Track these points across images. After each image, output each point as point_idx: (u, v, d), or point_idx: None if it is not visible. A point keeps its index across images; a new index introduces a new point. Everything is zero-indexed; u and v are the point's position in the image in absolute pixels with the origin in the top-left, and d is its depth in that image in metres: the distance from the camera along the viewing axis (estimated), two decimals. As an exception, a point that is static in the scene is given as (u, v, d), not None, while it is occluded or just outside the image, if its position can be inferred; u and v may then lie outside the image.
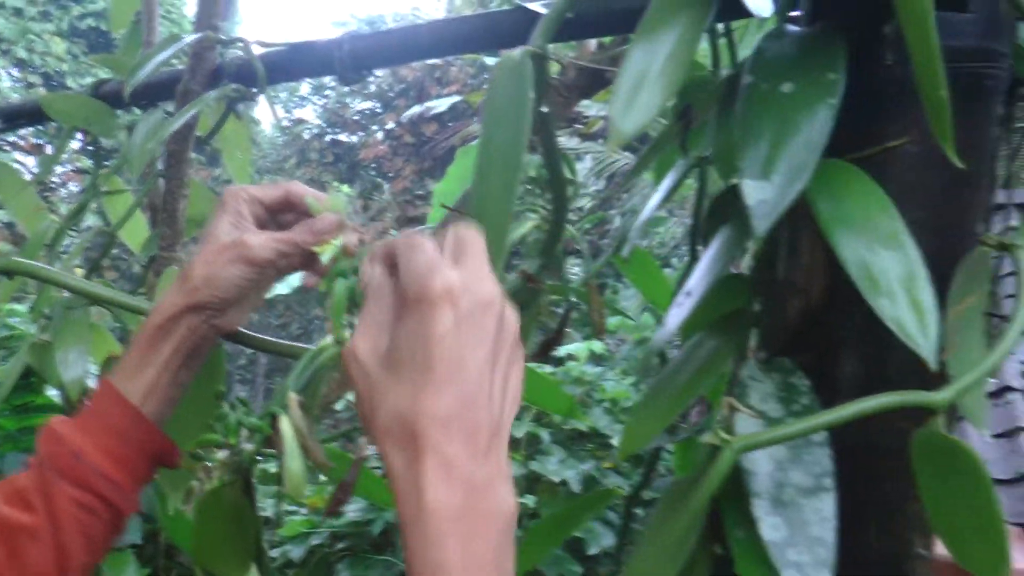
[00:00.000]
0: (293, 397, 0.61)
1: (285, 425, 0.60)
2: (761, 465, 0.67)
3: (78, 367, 1.26)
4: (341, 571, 3.48)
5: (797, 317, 0.73)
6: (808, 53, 0.64)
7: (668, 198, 0.91)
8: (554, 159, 0.63)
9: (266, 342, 0.74)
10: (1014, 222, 0.71)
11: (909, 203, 0.68)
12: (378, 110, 13.33)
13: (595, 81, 1.15)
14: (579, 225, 1.05)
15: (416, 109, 10.90)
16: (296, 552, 3.60)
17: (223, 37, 1.30)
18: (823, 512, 0.65)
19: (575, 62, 1.13)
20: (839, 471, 0.70)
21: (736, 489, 0.68)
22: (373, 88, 13.00)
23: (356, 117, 13.52)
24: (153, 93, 1.42)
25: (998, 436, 3.12)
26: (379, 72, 12.61)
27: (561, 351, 5.08)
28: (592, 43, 1.17)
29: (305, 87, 14.51)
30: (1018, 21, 0.71)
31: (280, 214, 0.76)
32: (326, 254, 0.65)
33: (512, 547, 0.51)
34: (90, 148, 1.50)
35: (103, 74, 1.53)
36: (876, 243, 0.63)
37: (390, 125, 12.74)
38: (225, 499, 0.68)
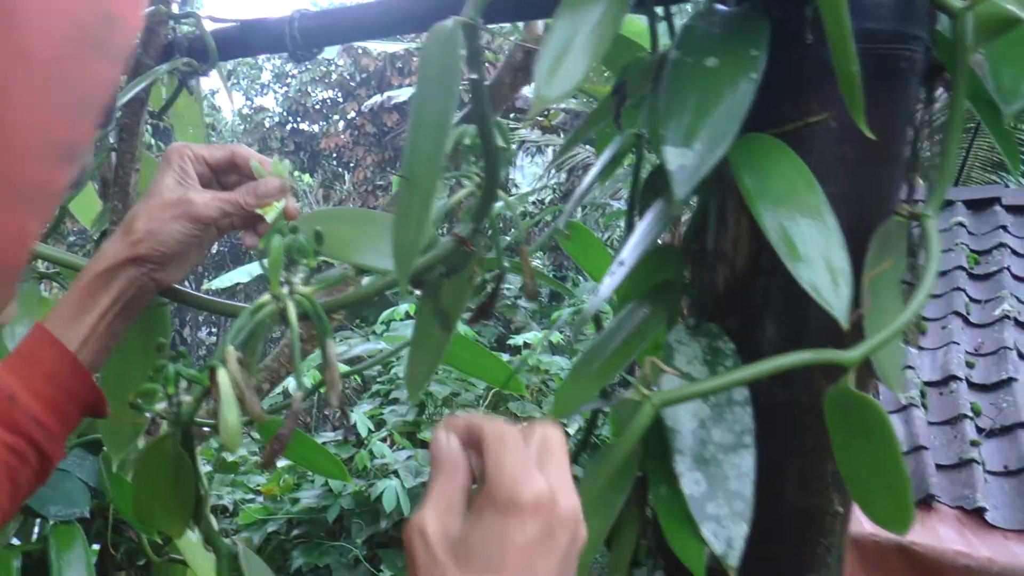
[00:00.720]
0: (231, 351, 0.63)
1: (222, 377, 0.61)
2: (684, 423, 0.70)
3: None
4: (296, 557, 3.49)
5: (724, 284, 0.76)
6: (733, 31, 0.67)
7: (605, 174, 0.94)
8: (486, 127, 0.66)
9: (203, 299, 0.76)
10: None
11: (829, 176, 0.71)
12: (339, 99, 13.26)
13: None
14: (539, 217, 1.07)
15: (377, 99, 10.87)
16: (254, 539, 3.61)
17: (174, 12, 1.31)
18: (742, 468, 0.69)
19: (522, 44, 1.15)
20: (762, 429, 0.73)
21: (661, 448, 0.71)
22: (334, 77, 12.93)
23: (317, 106, 13.44)
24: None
25: (943, 423, 3.21)
26: (340, 61, 12.54)
27: (518, 339, 5.11)
28: (539, 25, 1.19)
29: (266, 75, 14.39)
30: (934, 9, 0.74)
31: (224, 175, 0.78)
32: (270, 215, 0.68)
33: None
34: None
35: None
36: (796, 213, 0.66)
37: (351, 115, 12.68)
38: (164, 452, 0.69)
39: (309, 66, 12.66)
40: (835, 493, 0.76)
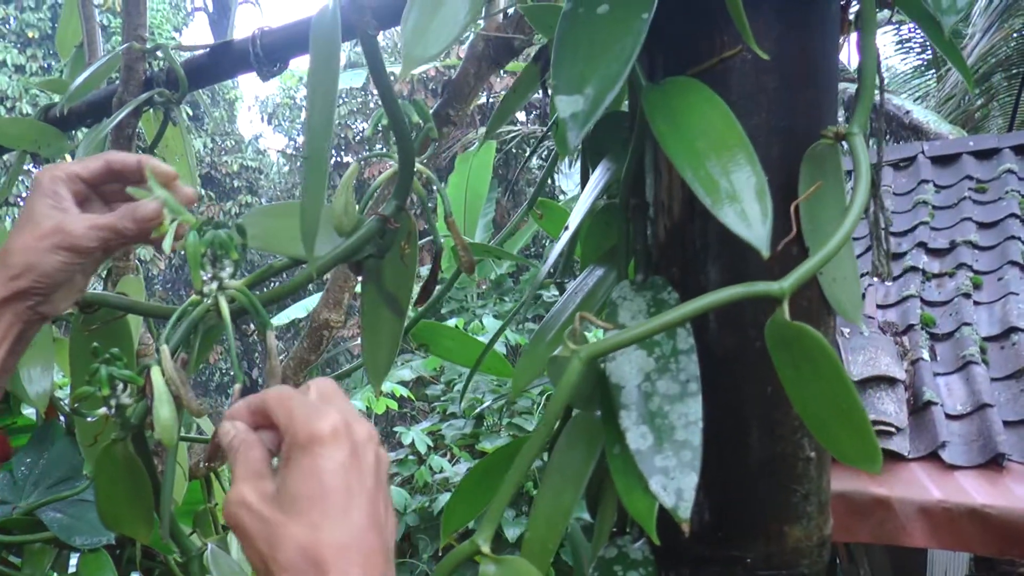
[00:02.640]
0: (165, 349, 0.63)
1: (156, 375, 0.62)
2: (629, 379, 0.69)
3: (43, 381, 1.29)
4: None
5: (664, 234, 0.75)
6: (627, -28, 0.66)
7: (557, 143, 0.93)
8: (392, 108, 0.66)
9: (134, 304, 0.77)
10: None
11: (751, 108, 0.70)
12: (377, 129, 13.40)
13: (503, 51, 1.17)
14: (523, 208, 1.07)
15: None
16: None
17: (147, 47, 1.34)
18: (689, 416, 0.67)
19: (483, 34, 1.15)
20: (720, 379, 0.72)
21: (611, 408, 0.70)
22: (372, 106, 13.07)
23: (358, 138, 13.60)
24: (96, 111, 1.46)
25: (1007, 378, 3.10)
26: (373, 91, 12.68)
27: (482, 339, 5.09)
28: (499, 16, 1.19)
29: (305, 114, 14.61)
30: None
31: (104, 186, 0.74)
32: (167, 240, 0.64)
33: None
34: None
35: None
36: (712, 150, 0.64)
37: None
38: (115, 455, 0.70)
39: (346, 99, 12.82)
40: (804, 438, 0.74)
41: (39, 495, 1.32)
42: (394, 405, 4.79)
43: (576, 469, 0.76)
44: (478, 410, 3.73)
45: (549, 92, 0.84)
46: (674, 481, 0.64)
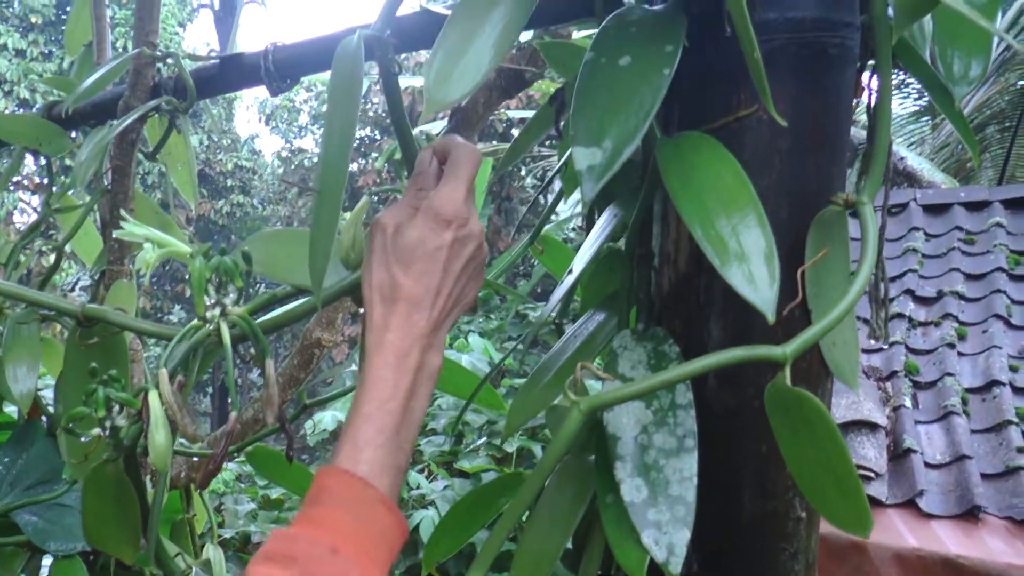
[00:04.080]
0: (163, 373, 0.63)
1: (153, 399, 0.62)
2: (626, 430, 0.69)
3: (28, 381, 1.28)
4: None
5: (668, 286, 0.75)
6: (649, 29, 0.67)
7: (567, 187, 0.93)
8: (406, 138, 0.66)
9: (133, 323, 0.77)
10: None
11: (763, 168, 0.70)
12: (376, 136, 13.41)
13: (514, 82, 1.18)
14: (524, 243, 1.08)
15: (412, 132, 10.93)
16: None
17: (158, 53, 1.34)
18: (684, 472, 0.67)
19: (495, 63, 1.16)
20: (715, 436, 0.72)
21: (607, 458, 0.70)
22: (371, 115, 13.08)
23: (355, 144, 13.60)
24: (101, 112, 1.46)
25: (986, 430, 3.12)
26: (375, 99, 12.70)
27: (467, 357, 5.07)
28: (512, 48, 1.19)
29: (304, 117, 14.61)
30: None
31: None
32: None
33: (429, 397, 0.69)
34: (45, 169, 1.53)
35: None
36: (723, 209, 0.65)
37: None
38: (106, 476, 0.70)
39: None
40: (796, 498, 0.74)
41: (15, 496, 1.31)
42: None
43: (566, 513, 0.76)
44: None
45: (561, 132, 0.85)
46: (666, 536, 0.64)
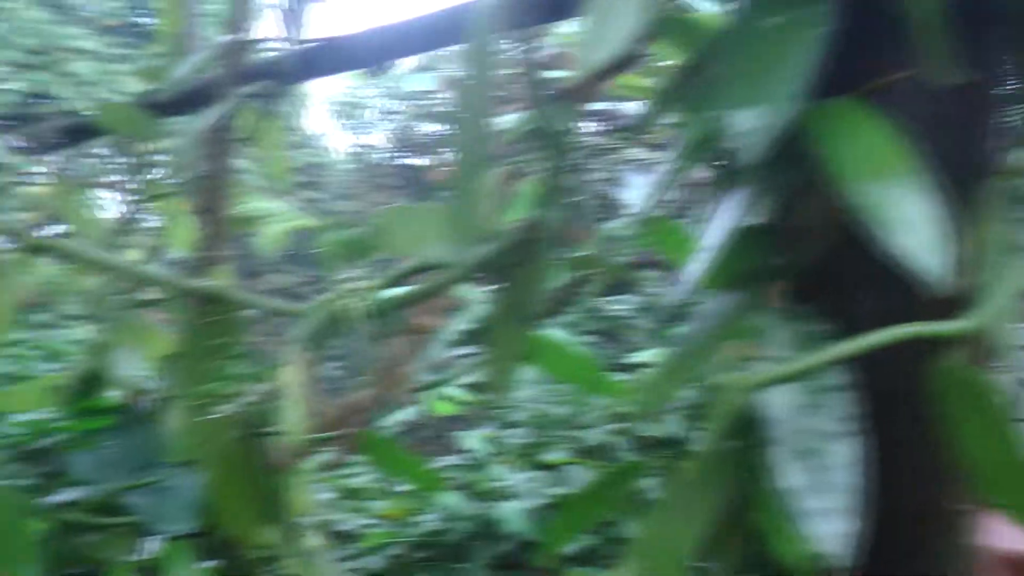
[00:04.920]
0: (295, 350, 0.61)
1: (285, 375, 0.60)
2: (779, 412, 0.65)
3: (131, 365, 1.29)
4: (420, 581, 3.50)
5: (817, 261, 0.71)
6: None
7: (684, 163, 0.89)
8: (546, 113, 0.63)
9: (255, 300, 0.75)
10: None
11: (921, 134, 0.65)
12: (445, 132, 13.44)
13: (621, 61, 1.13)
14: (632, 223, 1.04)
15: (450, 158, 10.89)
16: (376, 563, 3.63)
17: (252, 39, 1.33)
18: (845, 457, 0.63)
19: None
20: (870, 420, 0.67)
21: (756, 441, 0.66)
22: (439, 110, 13.12)
23: (423, 140, 13.65)
24: (194, 100, 1.46)
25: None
26: (443, 95, 12.73)
27: (634, 359, 5.02)
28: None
29: (372, 113, 14.71)
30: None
31: None
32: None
33: None
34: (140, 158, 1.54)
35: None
36: (882, 177, 0.60)
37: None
38: (233, 456, 0.68)
39: (413, 102, 12.87)
40: (956, 488, 0.69)
41: (123, 478, 1.31)
42: (455, 408, 4.76)
43: (702, 501, 0.72)
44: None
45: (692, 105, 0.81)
46: (830, 525, 0.60)
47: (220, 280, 1.33)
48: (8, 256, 0.80)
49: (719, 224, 0.79)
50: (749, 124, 0.56)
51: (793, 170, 0.72)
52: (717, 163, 0.84)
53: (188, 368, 0.77)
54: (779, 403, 0.64)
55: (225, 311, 0.76)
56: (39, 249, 0.80)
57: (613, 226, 0.91)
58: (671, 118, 0.91)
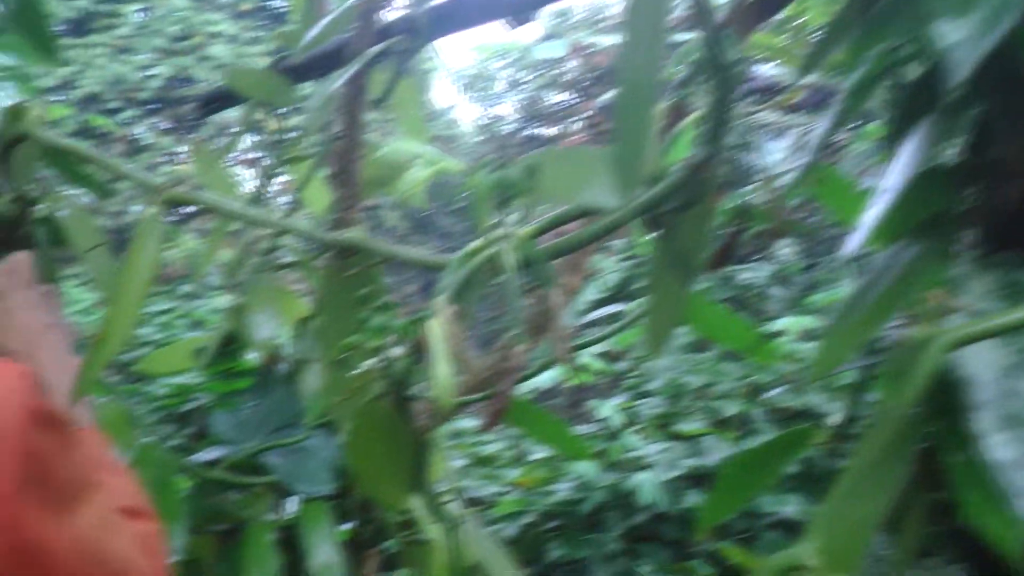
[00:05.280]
0: (442, 301, 0.57)
1: (433, 328, 0.56)
2: (984, 373, 0.57)
3: (268, 328, 1.29)
4: (552, 549, 3.48)
5: (1020, 202, 0.63)
6: None
7: (852, 106, 0.81)
8: (713, 38, 0.56)
9: (399, 252, 0.71)
10: None
11: None
12: (574, 101, 13.32)
13: (769, 6, 1.04)
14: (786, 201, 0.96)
15: (611, 94, 10.76)
16: (509, 531, 3.63)
17: (385, -4, 1.29)
18: (1062, 425, 0.55)
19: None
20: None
21: (952, 405, 0.58)
22: (567, 79, 13.01)
23: (552, 110, 13.57)
24: (327, 63, 1.44)
25: None
26: (572, 63, 12.61)
27: (771, 327, 4.85)
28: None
29: (501, 84, 14.71)
30: None
31: None
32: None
33: None
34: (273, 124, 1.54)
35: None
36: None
37: (588, 113, 12.67)
38: (377, 414, 0.64)
39: (542, 72, 12.80)
40: None
41: (261, 439, 1.32)
42: (588, 377, 4.72)
43: (886, 473, 0.65)
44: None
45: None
46: (1044, 504, 0.52)
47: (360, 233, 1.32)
48: (147, 215, 0.79)
49: (899, 167, 0.71)
50: (956, 36, 0.48)
51: (993, 96, 0.64)
52: (896, 97, 0.76)
53: (328, 325, 0.74)
54: (982, 363, 0.56)
55: (366, 264, 0.73)
56: (177, 202, 0.78)
57: (772, 176, 0.83)
58: (840, 51, 0.82)
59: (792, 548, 0.55)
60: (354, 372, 0.63)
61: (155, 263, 0.75)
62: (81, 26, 13.31)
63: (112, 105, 12.20)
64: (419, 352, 0.59)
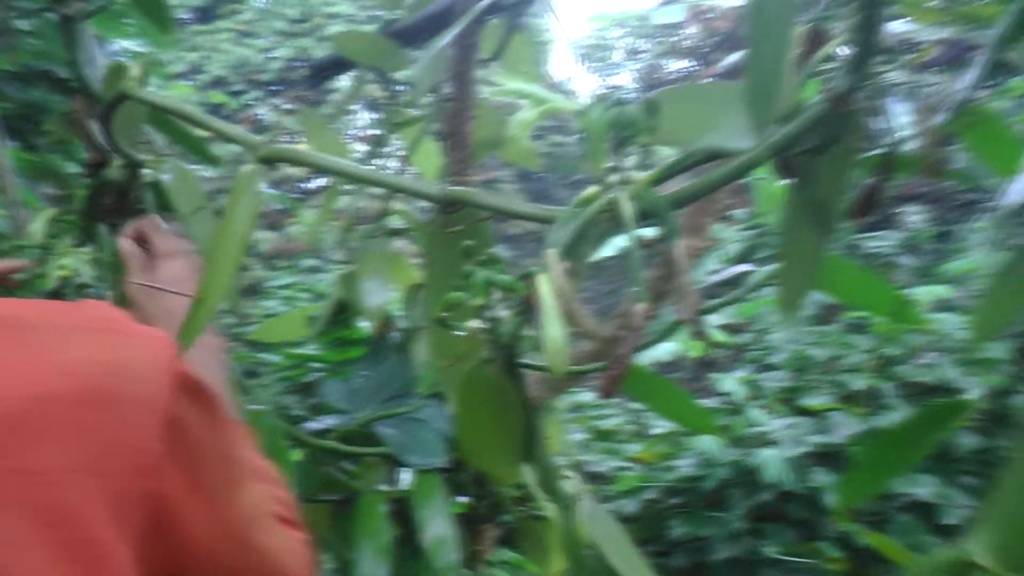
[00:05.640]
0: (553, 254, 0.51)
1: (543, 285, 0.50)
2: None
3: (380, 295, 1.26)
4: (675, 526, 3.40)
5: None
6: None
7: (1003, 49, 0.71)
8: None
9: (506, 205, 0.65)
10: None
11: None
12: (694, 67, 13.03)
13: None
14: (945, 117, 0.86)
15: (732, 59, 10.50)
16: (630, 507, 3.57)
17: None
18: None
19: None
20: None
21: None
22: (686, 45, 12.72)
23: (672, 77, 13.31)
24: (436, 24, 1.39)
25: None
26: (691, 29, 12.31)
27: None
28: None
29: (618, 54, 14.52)
30: None
31: None
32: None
33: None
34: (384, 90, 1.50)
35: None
36: None
37: (708, 80, 12.38)
38: (483, 380, 0.59)
39: (660, 39, 12.56)
40: None
41: (374, 408, 1.29)
42: (711, 348, 4.61)
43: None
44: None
45: None
46: None
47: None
48: (244, 172, 0.75)
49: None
50: None
51: None
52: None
53: (434, 286, 0.69)
54: None
55: (474, 219, 0.68)
56: (274, 158, 0.75)
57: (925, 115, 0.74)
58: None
59: (957, 543, 0.47)
60: (459, 334, 0.57)
61: (251, 221, 0.72)
62: (207, 13, 13.79)
63: (236, 87, 12.60)
64: (528, 312, 0.54)
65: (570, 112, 0.55)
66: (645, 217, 0.54)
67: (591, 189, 0.53)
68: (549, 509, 1.03)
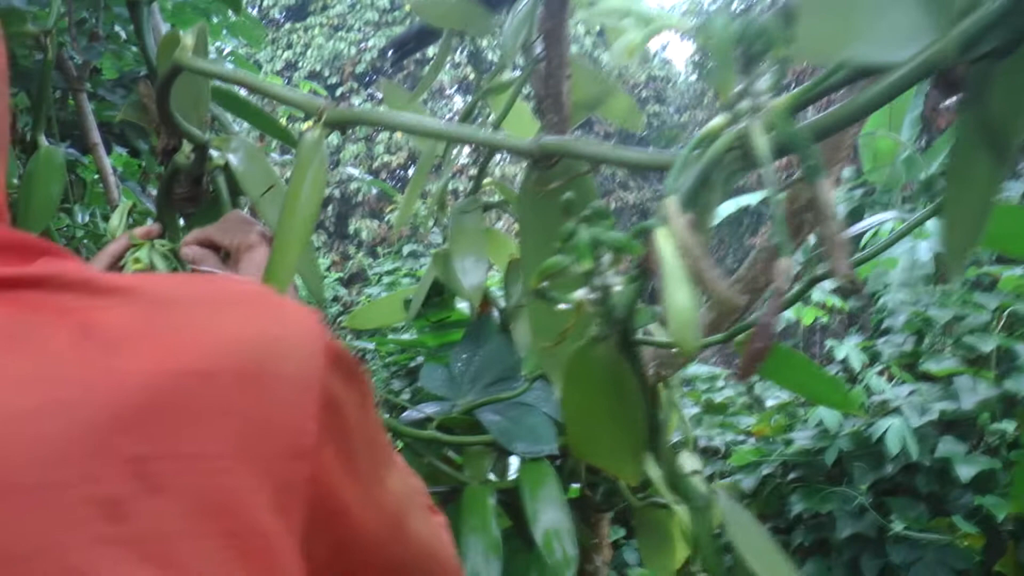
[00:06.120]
0: (673, 203, 0.42)
1: (664, 241, 0.41)
2: None
3: (477, 273, 1.18)
4: (795, 502, 3.25)
5: None
6: None
7: None
8: None
9: (607, 152, 0.55)
10: None
11: None
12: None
13: None
14: None
15: None
16: (747, 483, 3.44)
17: None
18: None
19: None
20: None
21: None
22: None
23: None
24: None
25: None
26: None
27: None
28: None
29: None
30: None
31: None
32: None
33: None
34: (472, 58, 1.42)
35: None
36: None
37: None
38: (594, 361, 0.50)
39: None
40: None
41: (476, 394, 1.22)
42: (823, 316, 4.42)
43: None
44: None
45: None
46: None
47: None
48: (309, 137, 0.68)
49: None
50: None
51: None
52: None
53: (534, 256, 0.61)
54: None
55: (573, 174, 0.59)
56: (341, 121, 0.67)
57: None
58: None
59: None
60: (563, 308, 0.49)
61: (319, 189, 0.65)
62: (300, 11, 14.02)
63: (331, 81, 12.79)
64: (646, 276, 0.45)
65: (685, 29, 0.46)
66: (781, 153, 0.44)
67: (715, 120, 0.43)
68: (670, 498, 0.94)
